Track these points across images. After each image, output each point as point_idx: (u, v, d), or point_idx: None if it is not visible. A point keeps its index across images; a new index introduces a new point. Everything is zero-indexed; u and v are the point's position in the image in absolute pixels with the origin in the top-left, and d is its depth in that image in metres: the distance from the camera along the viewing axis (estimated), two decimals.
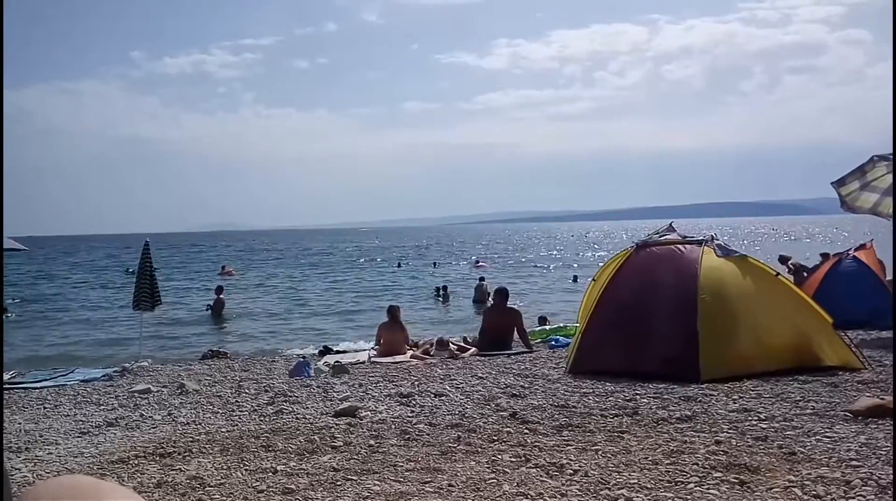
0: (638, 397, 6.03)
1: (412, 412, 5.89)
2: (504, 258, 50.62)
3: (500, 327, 10.19)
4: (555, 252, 59.63)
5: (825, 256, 12.93)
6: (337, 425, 5.45)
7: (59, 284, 36.01)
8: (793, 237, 69.33)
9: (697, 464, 3.94)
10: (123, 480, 4.21)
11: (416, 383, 7.35)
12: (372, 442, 4.84)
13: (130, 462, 4.61)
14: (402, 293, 26.45)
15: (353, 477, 4.06)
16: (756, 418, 4.98)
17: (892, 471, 3.17)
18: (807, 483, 3.56)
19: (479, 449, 4.52)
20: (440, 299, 23.75)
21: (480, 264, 40.12)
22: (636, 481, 3.71)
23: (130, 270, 31.36)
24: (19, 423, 6.17)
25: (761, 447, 4.25)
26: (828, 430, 4.54)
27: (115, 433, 5.62)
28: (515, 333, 10.24)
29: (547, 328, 12.47)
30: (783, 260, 13.91)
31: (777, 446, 4.25)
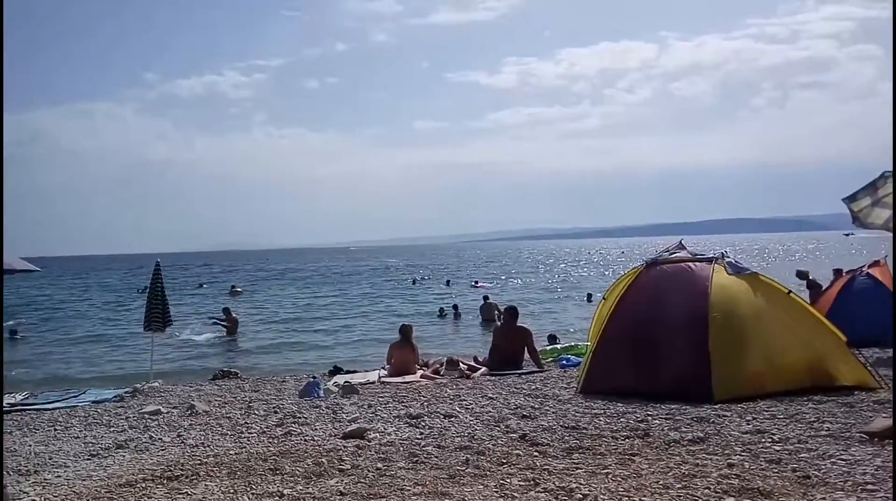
0: (650, 418, 5.96)
1: (421, 433, 5.85)
2: (509, 276, 50.52)
3: (510, 346, 10.14)
4: (563, 267, 59.46)
5: (838, 272, 12.80)
6: (345, 447, 5.42)
7: (71, 304, 36.27)
8: (801, 255, 68.82)
9: (709, 488, 3.87)
10: None
11: (426, 403, 7.31)
12: (380, 465, 4.80)
13: (138, 485, 4.59)
14: (411, 313, 26.41)
15: None
16: (770, 440, 4.90)
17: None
18: None
19: (488, 473, 4.47)
20: (445, 317, 23.71)
21: (479, 284, 40.08)
22: None
23: (142, 289, 31.59)
24: (30, 445, 6.18)
25: (775, 470, 4.18)
26: (843, 452, 4.46)
27: (123, 456, 5.61)
28: (526, 352, 10.19)
29: (558, 346, 12.40)
30: (801, 275, 13.74)
31: (791, 469, 4.17)
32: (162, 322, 11.30)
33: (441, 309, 24.82)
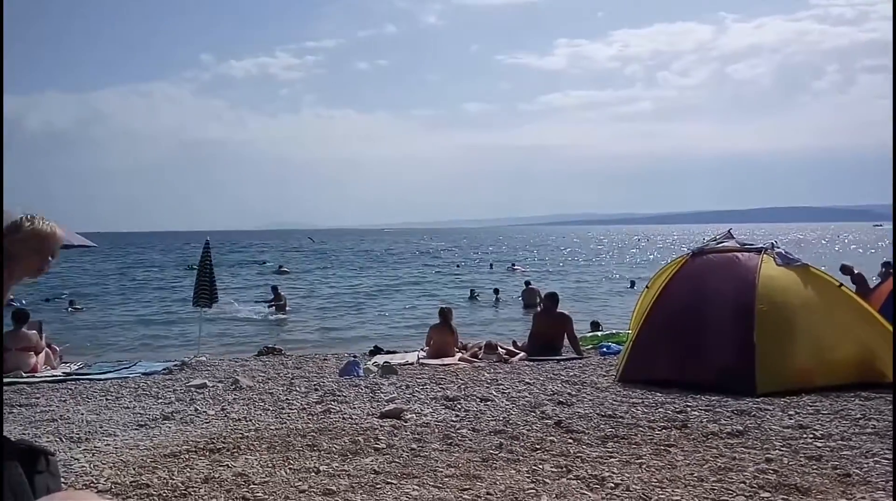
0: (689, 409, 5.88)
1: (456, 416, 5.90)
2: (553, 261, 50.14)
3: (549, 331, 10.11)
4: (607, 256, 58.72)
5: (887, 265, 12.32)
6: (381, 427, 5.50)
7: (126, 279, 37.50)
8: (856, 247, 66.48)
9: (745, 483, 3.81)
10: (174, 474, 4.35)
11: (463, 386, 7.35)
12: (414, 446, 4.86)
13: (181, 456, 4.76)
14: (452, 296, 26.50)
15: (393, 481, 4.09)
16: (812, 435, 4.79)
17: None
18: None
19: (521, 458, 4.49)
20: (476, 299, 23.71)
21: (516, 267, 39.84)
22: (679, 498, 3.62)
23: (192, 266, 32.48)
24: (82, 414, 6.45)
25: (814, 467, 4.09)
26: (888, 451, 4.32)
27: (169, 427, 5.81)
28: (566, 338, 10.14)
29: (599, 333, 12.30)
30: (845, 270, 13.22)
31: (832, 466, 4.08)
32: (209, 298, 11.60)
33: (472, 291, 24.79)
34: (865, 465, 4.09)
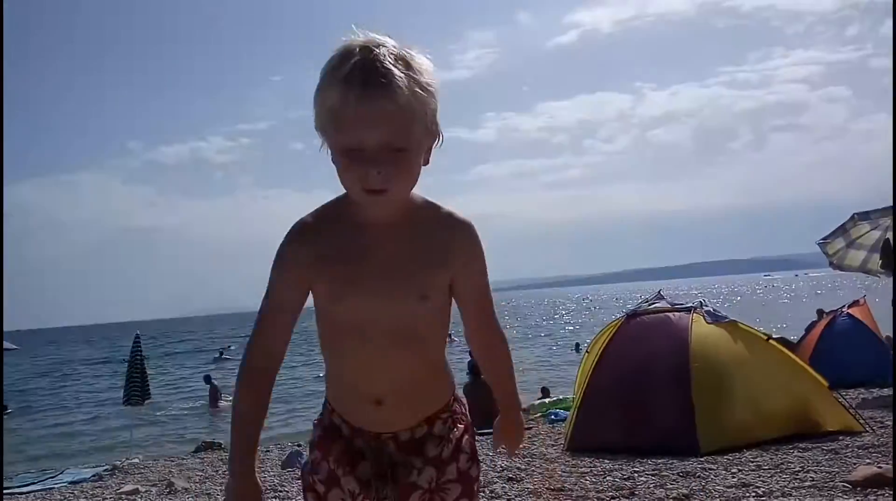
0: (636, 475, 5.87)
1: None
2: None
3: (483, 404, 9.96)
4: (546, 320, 59.32)
5: (821, 313, 12.88)
6: None
7: (53, 379, 35.60)
8: (780, 296, 69.40)
9: None
10: None
11: None
12: None
13: None
14: None
15: None
16: (754, 494, 4.83)
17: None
18: None
19: None
20: None
21: (452, 337, 39.39)
22: None
23: (124, 359, 31.19)
24: None
25: None
26: None
27: None
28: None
29: (547, 401, 12.29)
30: (820, 314, 12.91)
31: None
32: (141, 395, 11.13)
33: None
34: None
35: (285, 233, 1.53)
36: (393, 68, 1.26)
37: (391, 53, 1.28)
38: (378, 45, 1.29)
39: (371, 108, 1.26)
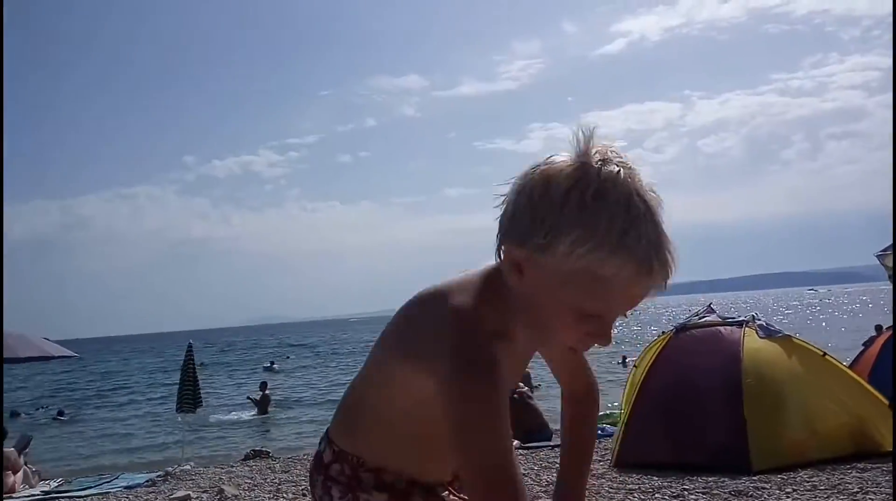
0: (685, 492, 5.76)
1: None
2: None
3: (527, 419, 9.88)
4: None
5: (879, 328, 12.38)
6: None
7: (110, 386, 36.73)
8: (840, 310, 66.94)
9: None
10: None
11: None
12: None
13: None
14: None
15: None
16: None
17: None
18: None
19: None
20: None
21: None
22: None
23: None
24: None
25: None
26: None
27: None
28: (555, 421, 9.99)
29: None
30: (879, 329, 12.59)
31: None
32: (193, 403, 11.39)
33: None
34: None
35: (459, 323, 1.13)
36: (672, 245, 1.09)
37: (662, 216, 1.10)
38: (652, 203, 1.08)
39: (646, 292, 1.10)
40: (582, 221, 1.03)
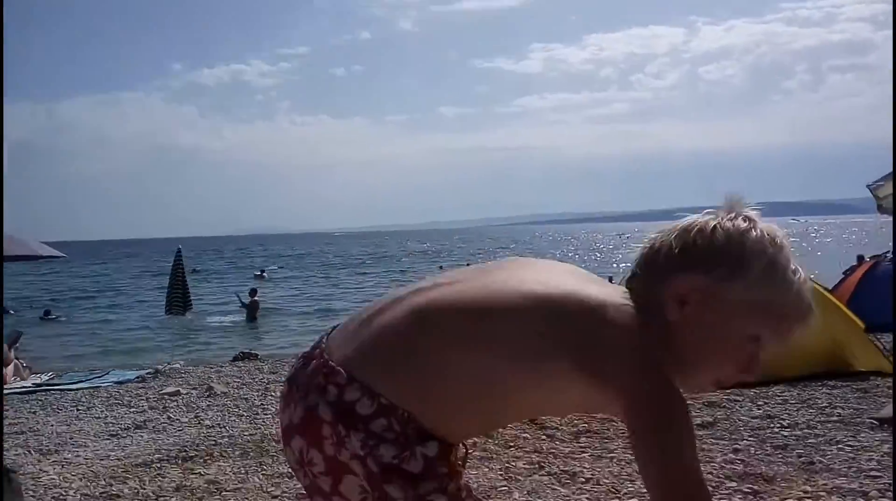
0: None
1: None
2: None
3: None
4: (592, 254, 59.14)
5: (860, 258, 12.55)
6: None
7: (100, 287, 37.03)
8: (826, 239, 67.81)
9: (712, 473, 3.88)
10: (144, 483, 4.31)
11: None
12: None
13: (153, 465, 4.72)
14: None
15: None
16: (779, 425, 4.88)
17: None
18: (822, 493, 3.48)
19: (494, 455, 4.52)
20: None
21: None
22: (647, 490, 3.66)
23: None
24: (52, 425, 6.36)
25: (780, 455, 4.17)
26: (851, 439, 4.43)
27: (141, 436, 5.76)
28: None
29: None
30: (860, 259, 12.83)
31: (797, 455, 4.16)
32: (183, 306, 11.51)
33: None
34: (829, 452, 4.17)
35: (646, 349, 1.16)
36: None
37: None
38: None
39: (799, 330, 1.22)
40: (768, 255, 1.16)
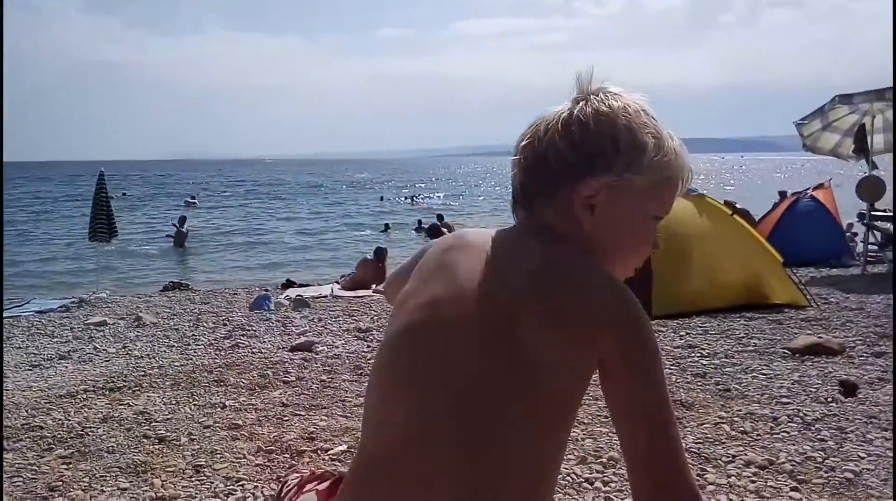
0: None
1: (368, 347, 5.95)
2: (468, 193, 50.45)
3: None
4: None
5: (783, 194, 13.09)
6: (292, 360, 5.49)
7: (13, 212, 35.15)
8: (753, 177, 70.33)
9: None
10: (70, 414, 4.21)
11: (376, 318, 7.40)
12: (324, 378, 4.89)
13: (78, 396, 4.60)
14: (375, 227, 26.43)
15: (301, 413, 4.11)
16: (699, 354, 5.12)
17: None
18: (736, 419, 3.70)
19: None
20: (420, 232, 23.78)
21: (417, 200, 39.09)
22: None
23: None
24: None
25: (699, 383, 4.39)
26: (765, 367, 4.69)
27: (66, 367, 5.59)
28: None
29: None
30: (728, 205, 13.54)
31: (714, 382, 4.39)
32: (107, 232, 11.07)
33: (386, 225, 24.86)
34: (744, 380, 4.42)
35: (631, 296, 1.05)
36: None
37: None
38: None
39: (681, 193, 1.18)
40: (651, 129, 1.09)
